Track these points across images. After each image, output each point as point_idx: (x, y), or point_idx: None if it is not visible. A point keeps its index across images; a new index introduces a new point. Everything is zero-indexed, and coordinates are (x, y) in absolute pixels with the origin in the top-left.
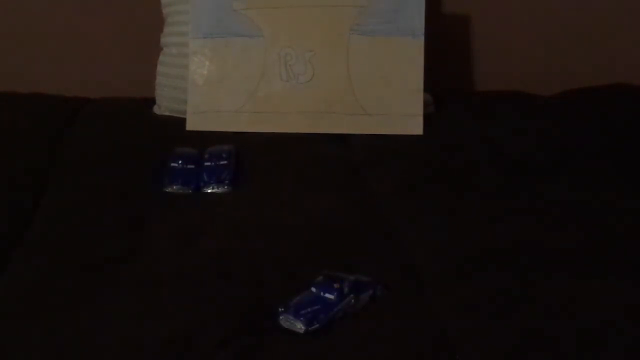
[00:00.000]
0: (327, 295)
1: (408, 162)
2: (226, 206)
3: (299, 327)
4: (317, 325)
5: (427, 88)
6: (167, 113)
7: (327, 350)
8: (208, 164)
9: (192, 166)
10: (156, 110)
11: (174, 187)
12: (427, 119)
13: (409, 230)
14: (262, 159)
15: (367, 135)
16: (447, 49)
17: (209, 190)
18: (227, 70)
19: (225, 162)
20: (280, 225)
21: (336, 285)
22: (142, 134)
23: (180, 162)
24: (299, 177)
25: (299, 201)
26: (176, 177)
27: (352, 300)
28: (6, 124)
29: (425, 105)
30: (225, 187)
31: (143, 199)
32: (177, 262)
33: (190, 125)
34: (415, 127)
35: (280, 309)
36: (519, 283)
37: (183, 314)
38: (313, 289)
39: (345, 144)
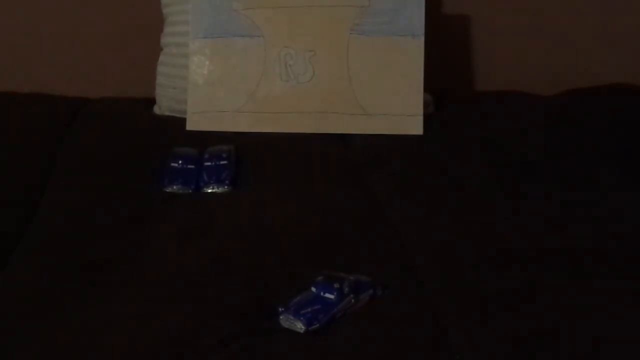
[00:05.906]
0: (327, 295)
1: (408, 162)
2: (226, 206)
3: (299, 327)
4: (317, 325)
5: (427, 88)
6: (167, 113)
7: (327, 350)
8: (208, 164)
9: (192, 166)
10: (156, 110)
11: (174, 187)
12: (427, 119)
13: (409, 230)
14: (262, 159)
15: (367, 135)
16: (447, 49)
17: (209, 190)
18: (227, 70)
19: (225, 162)
20: (280, 225)
21: (336, 285)
22: (142, 134)
23: (180, 162)
24: (299, 177)
25: (299, 201)
26: (176, 177)
27: (352, 300)
28: (6, 124)
29: (425, 105)
30: (225, 187)
31: (143, 199)
32: (177, 262)
33: (190, 125)
34: (415, 127)
35: (280, 309)
36: (519, 283)
37: (183, 314)
38: (313, 289)
39: (345, 144)
